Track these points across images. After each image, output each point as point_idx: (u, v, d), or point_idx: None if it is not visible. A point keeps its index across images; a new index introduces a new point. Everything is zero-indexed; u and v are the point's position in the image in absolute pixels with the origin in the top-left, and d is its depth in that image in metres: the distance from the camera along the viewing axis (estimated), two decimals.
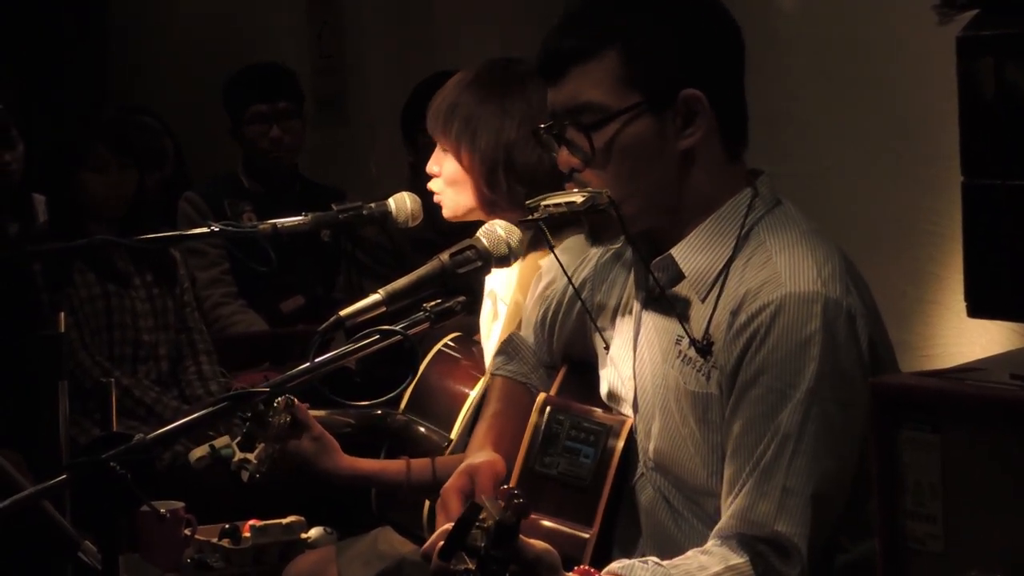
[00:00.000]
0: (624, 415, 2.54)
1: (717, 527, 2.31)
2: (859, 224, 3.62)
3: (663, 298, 2.41)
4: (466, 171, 3.07)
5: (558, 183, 2.47)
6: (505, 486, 2.18)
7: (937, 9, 2.07)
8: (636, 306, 2.51)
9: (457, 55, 4.94)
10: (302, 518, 3.72)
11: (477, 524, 2.01)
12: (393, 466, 3.03)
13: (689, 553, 2.30)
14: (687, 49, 2.38)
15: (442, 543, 2.04)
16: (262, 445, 2.93)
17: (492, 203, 3.07)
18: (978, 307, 2.06)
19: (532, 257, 2.98)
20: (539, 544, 2.12)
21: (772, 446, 2.26)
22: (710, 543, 2.30)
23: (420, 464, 3.02)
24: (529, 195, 2.93)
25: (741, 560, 2.26)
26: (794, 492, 2.25)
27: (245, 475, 2.93)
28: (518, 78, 3.06)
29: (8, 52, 7.37)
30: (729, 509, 2.30)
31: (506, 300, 3.10)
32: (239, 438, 2.93)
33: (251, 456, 2.94)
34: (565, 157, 2.42)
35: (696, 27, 2.41)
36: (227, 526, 3.68)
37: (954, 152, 2.05)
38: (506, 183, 3.03)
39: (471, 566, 2.00)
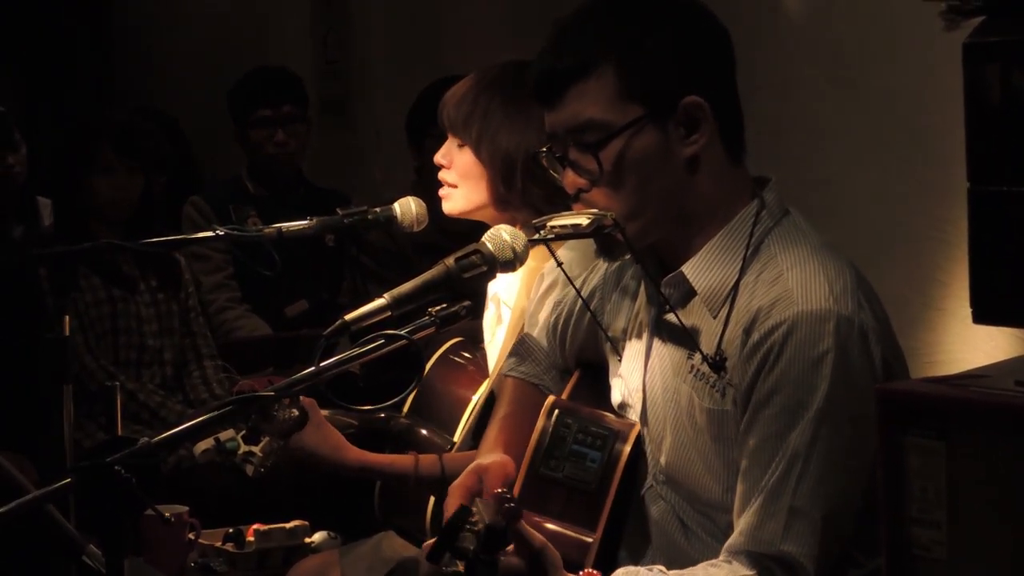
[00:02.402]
0: (634, 420, 2.53)
1: (727, 543, 2.32)
2: (864, 230, 3.61)
3: (674, 314, 2.40)
4: (484, 166, 3.06)
5: None
6: (499, 489, 2.17)
7: (944, 15, 2.06)
8: (647, 321, 2.50)
9: (462, 60, 4.93)
10: (306, 523, 3.71)
11: (468, 527, 2.00)
12: (401, 460, 3.04)
13: (698, 566, 2.30)
14: (683, 56, 2.37)
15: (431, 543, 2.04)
16: (267, 439, 2.93)
17: (505, 201, 3.07)
18: (983, 314, 2.05)
19: (536, 260, 2.97)
20: (540, 538, 2.13)
21: (781, 465, 2.27)
22: (720, 558, 2.31)
23: (428, 460, 3.02)
24: (544, 197, 2.94)
25: (750, 574, 2.26)
26: (801, 512, 2.26)
27: (250, 469, 2.92)
28: None
29: (14, 54, 7.36)
30: (739, 526, 2.30)
31: (510, 304, 3.10)
32: (244, 431, 2.93)
33: (256, 449, 2.93)
34: (571, 179, 2.40)
35: (688, 33, 2.40)
36: (231, 530, 3.67)
37: (960, 158, 2.04)
38: (522, 183, 3.03)
39: (460, 568, 2.00)
